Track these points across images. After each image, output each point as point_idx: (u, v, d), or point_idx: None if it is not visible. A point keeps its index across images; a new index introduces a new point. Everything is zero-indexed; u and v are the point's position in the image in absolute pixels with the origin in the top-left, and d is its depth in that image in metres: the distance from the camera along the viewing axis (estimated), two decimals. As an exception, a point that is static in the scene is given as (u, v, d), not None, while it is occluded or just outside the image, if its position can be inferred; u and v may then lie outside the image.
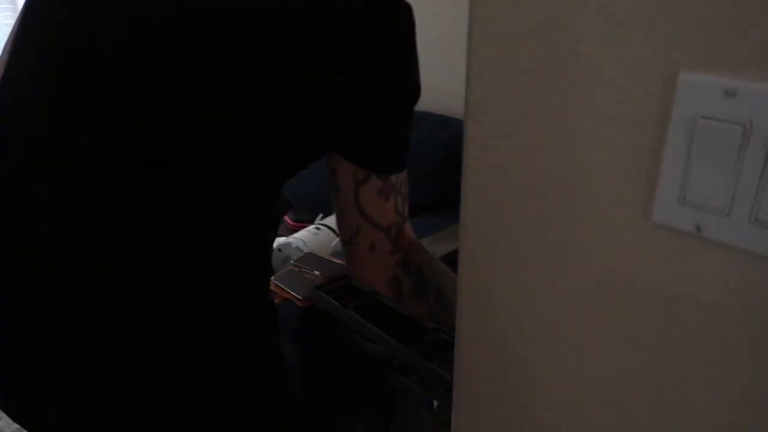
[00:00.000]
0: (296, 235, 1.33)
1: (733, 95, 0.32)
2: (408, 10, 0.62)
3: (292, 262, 1.22)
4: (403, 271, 0.70)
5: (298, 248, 1.26)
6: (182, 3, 0.58)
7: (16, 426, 0.75)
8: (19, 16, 0.66)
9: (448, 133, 1.57)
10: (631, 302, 0.41)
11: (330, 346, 1.22)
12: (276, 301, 0.99)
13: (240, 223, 0.64)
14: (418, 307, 0.76)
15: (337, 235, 1.25)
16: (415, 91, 0.65)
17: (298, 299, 1.11)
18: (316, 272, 1.16)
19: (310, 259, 1.23)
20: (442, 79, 1.17)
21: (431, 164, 1.51)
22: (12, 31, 0.68)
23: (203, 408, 0.65)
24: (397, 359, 1.42)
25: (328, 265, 1.19)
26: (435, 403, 1.29)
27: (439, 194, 1.34)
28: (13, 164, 0.63)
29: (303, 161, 0.66)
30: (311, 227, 1.36)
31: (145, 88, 0.58)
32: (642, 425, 0.43)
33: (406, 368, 1.50)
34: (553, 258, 0.44)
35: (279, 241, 1.28)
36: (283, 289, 1.13)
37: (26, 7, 0.65)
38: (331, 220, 1.36)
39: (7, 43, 0.68)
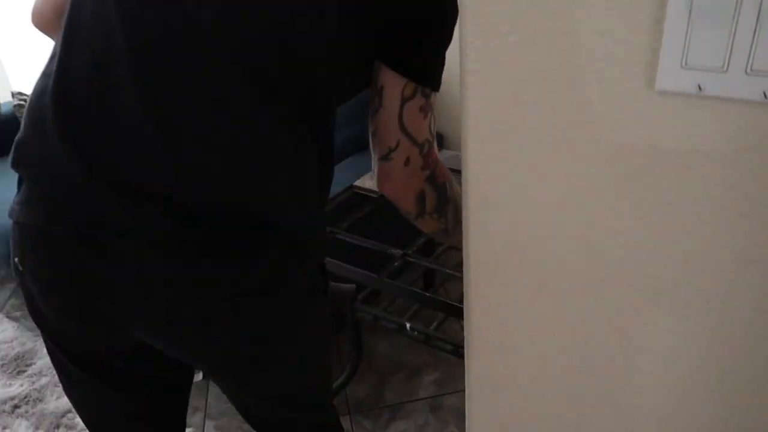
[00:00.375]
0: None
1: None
2: None
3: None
4: (430, 186, 0.76)
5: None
6: None
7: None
8: None
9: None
10: (640, 166, 0.46)
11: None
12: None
13: (315, 138, 0.72)
14: (436, 223, 0.81)
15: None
16: (457, 10, 0.68)
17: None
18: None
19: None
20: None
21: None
22: None
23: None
24: (363, 292, 1.48)
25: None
26: (408, 325, 1.36)
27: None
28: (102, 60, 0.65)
29: (366, 82, 0.73)
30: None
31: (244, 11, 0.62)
32: (655, 272, 0.49)
33: (372, 299, 1.56)
34: (561, 139, 0.49)
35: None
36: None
37: None
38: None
39: None
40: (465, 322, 0.67)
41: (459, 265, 1.56)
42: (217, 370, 0.82)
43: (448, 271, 1.39)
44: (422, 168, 0.74)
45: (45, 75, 0.70)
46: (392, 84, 0.69)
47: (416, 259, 1.44)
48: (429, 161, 0.75)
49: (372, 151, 0.76)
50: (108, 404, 0.85)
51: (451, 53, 0.69)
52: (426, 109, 0.71)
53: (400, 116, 0.70)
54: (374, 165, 0.76)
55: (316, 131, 0.72)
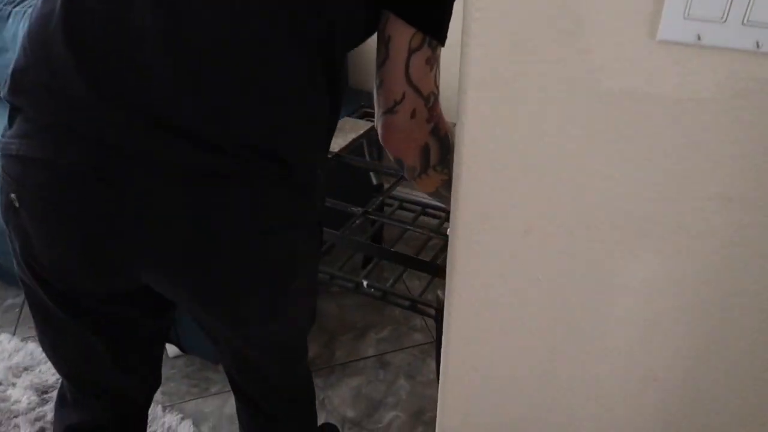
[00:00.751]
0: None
1: None
2: None
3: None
4: (434, 138, 0.77)
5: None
6: None
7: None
8: None
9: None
10: (637, 112, 0.49)
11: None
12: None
13: (328, 86, 0.72)
14: (439, 176, 0.83)
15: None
16: None
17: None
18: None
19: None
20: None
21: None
22: None
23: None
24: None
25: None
26: (365, 282, 1.38)
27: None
28: None
29: (371, 30, 0.73)
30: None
31: None
32: (642, 214, 0.53)
33: (325, 260, 1.56)
34: (561, 87, 0.51)
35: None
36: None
37: None
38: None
39: None
40: (448, 268, 0.69)
41: (414, 224, 1.59)
42: (217, 308, 0.80)
43: (410, 228, 1.42)
44: (427, 120, 0.75)
45: (47, 1, 0.65)
46: (399, 34, 0.69)
47: (377, 216, 1.46)
48: (434, 114, 0.76)
49: (376, 106, 0.76)
50: (89, 350, 0.83)
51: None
52: (432, 62, 0.72)
53: (407, 67, 0.70)
54: (378, 120, 0.76)
55: (329, 78, 0.72)
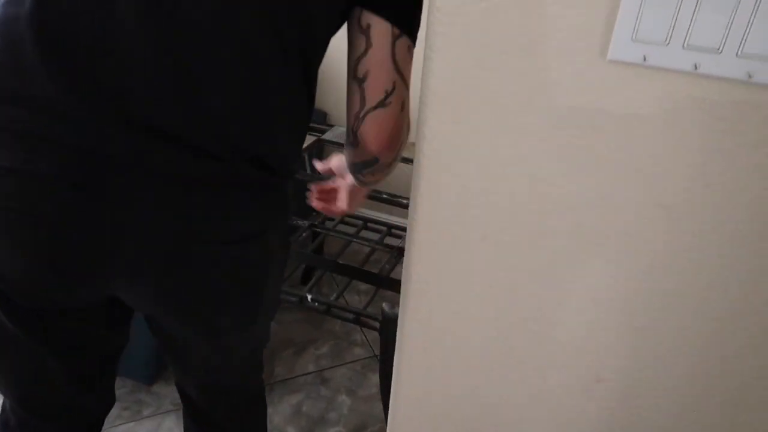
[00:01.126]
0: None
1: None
2: None
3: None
4: (407, 127, 0.75)
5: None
6: None
7: None
8: None
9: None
10: (587, 127, 0.53)
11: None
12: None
13: (307, 84, 0.70)
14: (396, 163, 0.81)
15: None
16: None
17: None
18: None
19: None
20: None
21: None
22: None
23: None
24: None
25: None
26: (308, 296, 1.38)
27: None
28: None
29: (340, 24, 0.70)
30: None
31: None
32: (591, 223, 0.57)
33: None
34: (518, 101, 0.55)
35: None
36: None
37: None
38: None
39: None
40: (403, 276, 0.71)
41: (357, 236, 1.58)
42: (195, 317, 0.77)
43: (355, 240, 1.42)
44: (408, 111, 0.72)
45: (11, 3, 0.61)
46: (378, 22, 0.66)
47: (322, 229, 1.46)
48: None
49: (357, 107, 0.70)
50: (45, 370, 0.79)
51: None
52: (411, 50, 0.69)
53: (393, 54, 0.67)
54: (361, 122, 0.71)
55: (308, 83, 0.70)
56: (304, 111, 0.73)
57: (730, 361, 0.60)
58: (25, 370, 0.79)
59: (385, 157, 0.75)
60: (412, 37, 0.69)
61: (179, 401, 1.02)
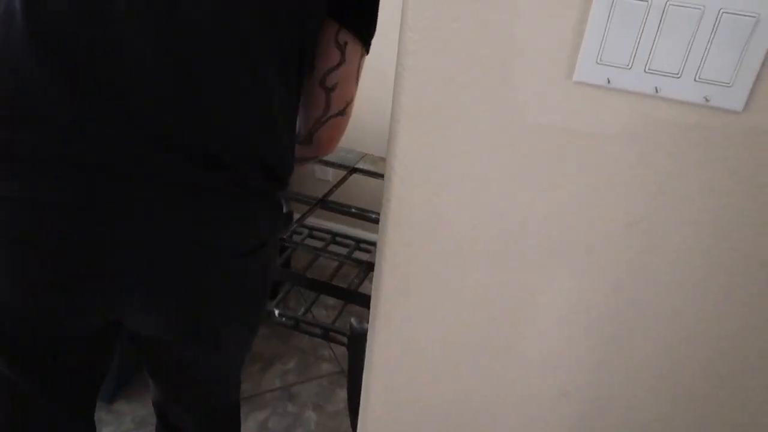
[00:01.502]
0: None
1: (637, -19, 0.46)
2: None
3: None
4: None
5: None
6: None
7: None
8: None
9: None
10: (553, 145, 0.55)
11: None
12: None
13: (298, 88, 0.74)
14: None
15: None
16: None
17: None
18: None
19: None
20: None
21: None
22: None
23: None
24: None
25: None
26: (276, 311, 1.36)
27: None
28: None
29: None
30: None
31: None
32: (558, 237, 0.59)
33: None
34: (487, 119, 0.56)
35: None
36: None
37: None
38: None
39: None
40: (373, 292, 0.71)
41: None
42: (203, 332, 0.77)
43: (324, 255, 1.42)
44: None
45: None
46: (353, 41, 0.74)
47: (290, 243, 1.45)
48: None
49: (318, 111, 0.77)
50: (29, 408, 0.77)
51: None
52: (362, 65, 0.78)
53: (359, 69, 0.75)
54: (319, 125, 0.77)
55: (299, 80, 0.73)
56: (295, 118, 0.76)
57: (698, 376, 0.62)
58: (7, 412, 0.76)
59: (326, 154, 0.84)
60: (367, 52, 0.77)
61: (141, 419, 1.00)
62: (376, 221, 0.68)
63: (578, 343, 0.64)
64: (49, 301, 0.66)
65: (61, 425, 0.81)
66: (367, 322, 0.74)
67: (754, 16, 0.45)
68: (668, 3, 0.46)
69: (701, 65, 0.47)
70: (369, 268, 1.32)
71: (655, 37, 0.48)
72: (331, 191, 1.58)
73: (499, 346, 0.67)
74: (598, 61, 0.50)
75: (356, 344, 1.22)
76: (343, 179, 1.63)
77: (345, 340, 1.31)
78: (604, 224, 0.57)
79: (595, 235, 0.58)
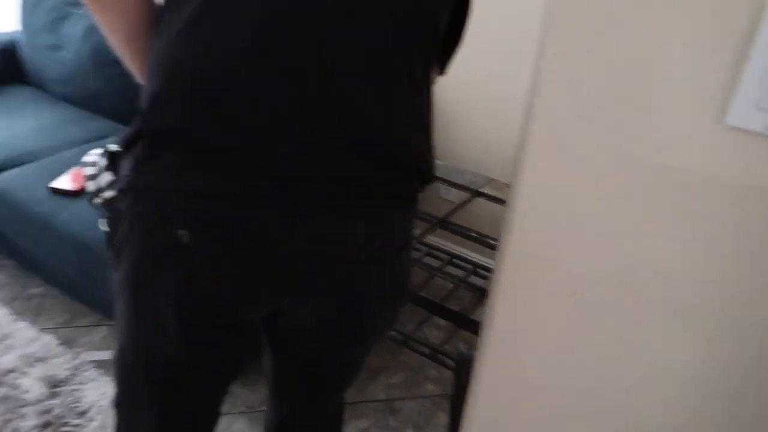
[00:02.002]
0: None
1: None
2: None
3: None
4: None
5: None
6: None
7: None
8: None
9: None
10: (693, 192, 0.50)
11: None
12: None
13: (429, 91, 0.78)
14: None
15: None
16: None
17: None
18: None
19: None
20: None
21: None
22: None
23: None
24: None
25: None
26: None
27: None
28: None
29: None
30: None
31: None
32: (680, 294, 0.54)
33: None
34: (621, 159, 0.53)
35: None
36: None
37: None
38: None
39: None
40: (485, 323, 0.69)
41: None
42: (353, 327, 0.85)
43: (439, 275, 1.42)
44: None
45: (180, 33, 0.66)
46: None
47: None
48: None
49: None
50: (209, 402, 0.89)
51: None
52: None
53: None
54: None
55: (430, 84, 0.78)
56: (432, 117, 0.81)
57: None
58: (197, 412, 0.87)
59: None
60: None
61: (253, 404, 1.05)
62: (495, 248, 0.66)
63: (697, 409, 0.58)
64: (248, 291, 0.74)
65: (209, 403, 0.89)
66: (475, 350, 0.73)
67: None
68: None
69: None
70: (482, 294, 1.30)
71: (830, 83, 0.42)
72: (452, 212, 1.57)
73: (608, 398, 0.63)
74: (757, 105, 0.45)
75: (463, 370, 1.19)
76: (466, 201, 1.61)
77: (452, 363, 1.29)
78: (748, 289, 0.51)
79: (737, 299, 0.52)
